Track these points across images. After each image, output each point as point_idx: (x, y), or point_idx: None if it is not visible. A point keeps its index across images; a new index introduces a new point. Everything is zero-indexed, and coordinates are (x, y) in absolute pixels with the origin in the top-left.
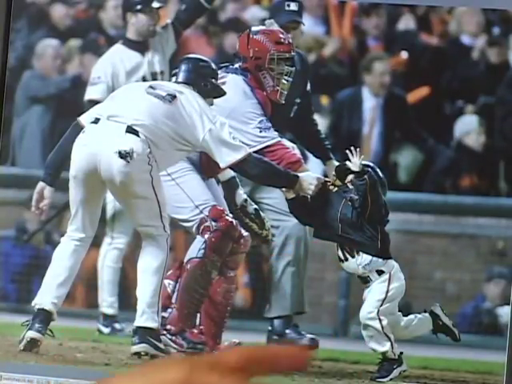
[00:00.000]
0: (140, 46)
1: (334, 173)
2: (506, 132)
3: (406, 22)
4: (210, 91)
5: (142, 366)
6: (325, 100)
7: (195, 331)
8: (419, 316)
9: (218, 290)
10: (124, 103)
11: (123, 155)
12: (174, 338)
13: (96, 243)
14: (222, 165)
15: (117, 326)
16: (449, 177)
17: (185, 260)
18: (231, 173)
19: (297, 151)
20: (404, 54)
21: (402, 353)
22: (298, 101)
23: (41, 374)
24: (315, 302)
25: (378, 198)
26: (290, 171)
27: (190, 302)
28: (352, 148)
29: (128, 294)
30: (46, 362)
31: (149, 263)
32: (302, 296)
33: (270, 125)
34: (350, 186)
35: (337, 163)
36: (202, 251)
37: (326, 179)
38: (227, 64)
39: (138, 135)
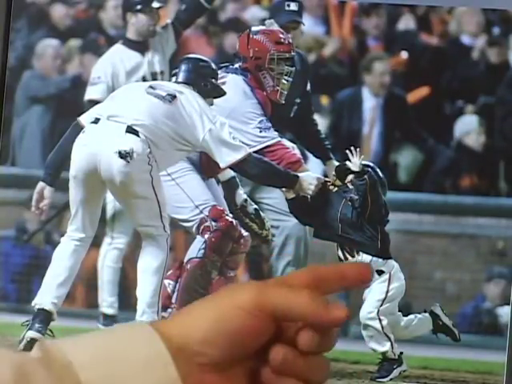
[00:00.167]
0: (140, 46)
1: (333, 173)
2: (506, 132)
3: (406, 22)
4: (210, 91)
5: (213, 294)
6: (325, 100)
7: None
8: (419, 316)
9: (218, 290)
10: (124, 103)
11: (123, 155)
12: None
13: (96, 243)
14: (221, 165)
15: None
16: (449, 177)
17: (185, 260)
18: (231, 173)
19: (297, 151)
20: (404, 54)
21: (401, 353)
22: (298, 101)
23: None
24: None
25: (378, 198)
26: (290, 171)
27: (189, 302)
28: (352, 148)
29: (128, 294)
30: None
31: (149, 263)
32: None
33: (269, 125)
34: (350, 186)
35: (337, 163)
36: (202, 251)
37: (326, 179)
38: (227, 64)
39: (138, 135)
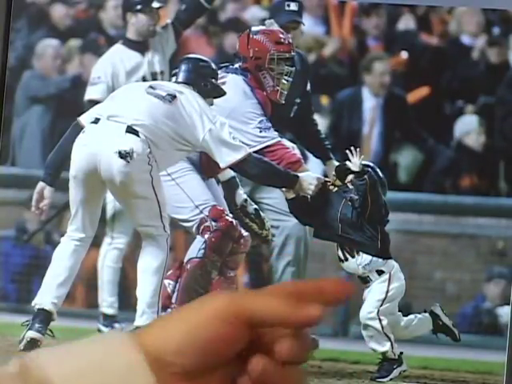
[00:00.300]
0: (140, 45)
1: (334, 173)
2: (506, 132)
3: (406, 22)
4: (210, 91)
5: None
6: (325, 100)
7: None
8: (419, 316)
9: (218, 289)
10: (124, 103)
11: (123, 155)
12: None
13: (96, 243)
14: (222, 165)
15: (117, 326)
16: (449, 177)
17: (185, 260)
18: (231, 173)
19: (297, 151)
20: (404, 54)
21: (401, 353)
22: (298, 101)
23: None
24: None
25: (378, 198)
26: (290, 171)
27: (190, 302)
28: (352, 148)
29: (128, 294)
30: None
31: (149, 263)
32: None
33: (269, 125)
34: (350, 186)
35: (337, 163)
36: (202, 251)
37: (326, 179)
38: (227, 64)
39: (138, 135)
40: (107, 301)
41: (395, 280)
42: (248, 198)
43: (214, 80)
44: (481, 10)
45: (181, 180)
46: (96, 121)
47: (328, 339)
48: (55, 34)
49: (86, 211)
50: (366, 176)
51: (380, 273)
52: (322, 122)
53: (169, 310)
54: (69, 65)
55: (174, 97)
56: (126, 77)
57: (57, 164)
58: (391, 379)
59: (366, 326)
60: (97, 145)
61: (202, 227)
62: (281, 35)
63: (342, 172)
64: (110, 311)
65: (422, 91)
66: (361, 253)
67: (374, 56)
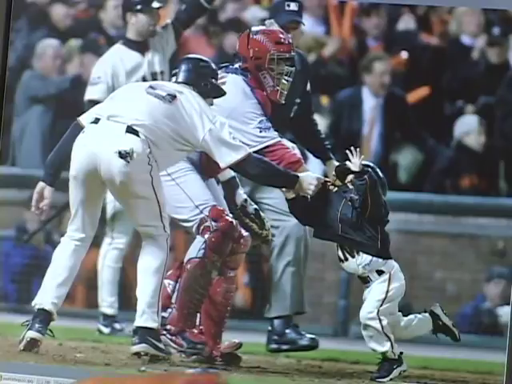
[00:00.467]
0: (140, 46)
1: (334, 173)
2: (506, 132)
3: (406, 22)
4: (210, 91)
5: None
6: (325, 100)
7: (195, 331)
8: (419, 316)
9: (218, 289)
10: (124, 103)
11: (123, 155)
12: (173, 337)
13: (96, 243)
14: (222, 165)
15: (117, 325)
16: (449, 177)
17: (185, 260)
18: (231, 173)
19: (297, 151)
20: (404, 54)
21: (402, 353)
22: (298, 101)
23: (41, 374)
24: (315, 302)
25: (377, 198)
26: (290, 171)
27: (189, 302)
28: (352, 148)
29: (128, 294)
30: (45, 361)
31: (149, 263)
32: (302, 296)
33: (269, 125)
34: (350, 186)
35: (337, 163)
36: (202, 251)
37: (326, 179)
38: (227, 64)
39: (138, 135)
40: (107, 301)
41: (395, 280)
42: (248, 198)
43: (214, 80)
44: (481, 10)
45: (181, 180)
46: (96, 121)
47: (328, 339)
48: (55, 34)
49: (86, 211)
50: (365, 176)
51: (380, 273)
52: (321, 122)
53: (169, 309)
54: (69, 65)
55: (173, 97)
56: (126, 77)
57: (57, 164)
58: (391, 379)
59: (366, 326)
60: (97, 145)
61: (201, 227)
62: (281, 35)
63: (342, 172)
64: (109, 311)
65: (422, 91)
66: (361, 253)
67: (373, 56)
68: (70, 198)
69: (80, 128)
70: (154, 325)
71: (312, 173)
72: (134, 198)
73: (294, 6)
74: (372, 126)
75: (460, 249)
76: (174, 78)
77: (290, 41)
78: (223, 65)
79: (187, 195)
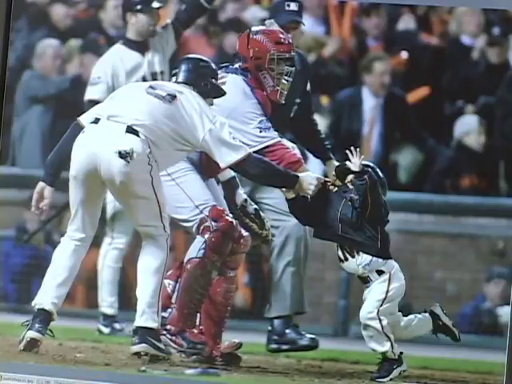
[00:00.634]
0: (140, 46)
1: (334, 173)
2: (506, 132)
3: (406, 22)
4: (210, 91)
5: None
6: (325, 100)
7: (195, 331)
8: (419, 316)
9: (218, 289)
10: (124, 103)
11: (123, 155)
12: (173, 337)
13: (96, 243)
14: (222, 165)
15: (117, 325)
16: (449, 177)
17: (185, 260)
18: (231, 173)
19: (297, 151)
20: (404, 54)
21: (402, 353)
22: (298, 101)
23: (41, 374)
24: (315, 302)
25: (377, 197)
26: (290, 171)
27: (190, 302)
28: (352, 148)
29: (128, 294)
30: (45, 361)
31: (149, 263)
32: (302, 296)
33: (269, 125)
34: (350, 186)
35: (337, 163)
36: (202, 251)
37: (326, 179)
38: (227, 64)
39: (138, 135)
40: (107, 301)
41: (395, 280)
42: (248, 198)
43: (214, 80)
44: (481, 10)
45: (181, 180)
46: (96, 121)
47: (328, 339)
48: (55, 34)
49: (86, 211)
50: (365, 176)
51: (380, 273)
52: (321, 122)
53: (169, 309)
54: (69, 65)
55: (173, 97)
56: (126, 77)
57: (57, 164)
58: (391, 379)
59: (366, 326)
60: (97, 145)
61: (201, 227)
62: (281, 35)
63: (342, 172)
64: (109, 311)
65: (422, 91)
66: (361, 253)
67: (373, 56)
68: (70, 198)
69: (80, 128)
70: (154, 325)
71: (312, 173)
72: (133, 198)
73: (293, 6)
74: (372, 126)
75: (460, 249)
76: (174, 78)
77: (290, 41)
78: (223, 65)
79: (187, 195)
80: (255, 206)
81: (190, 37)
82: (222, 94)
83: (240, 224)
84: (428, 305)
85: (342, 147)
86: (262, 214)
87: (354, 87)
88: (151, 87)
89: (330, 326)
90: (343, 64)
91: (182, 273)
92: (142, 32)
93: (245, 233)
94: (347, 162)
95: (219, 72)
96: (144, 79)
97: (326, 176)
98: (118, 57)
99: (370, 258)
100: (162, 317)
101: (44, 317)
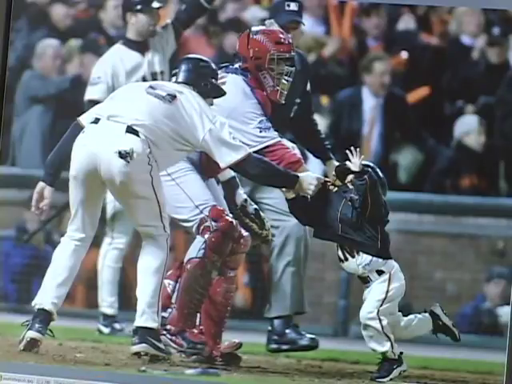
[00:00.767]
0: (140, 46)
1: (334, 173)
2: (506, 132)
3: (406, 22)
4: (210, 91)
5: None
6: (325, 100)
7: (195, 331)
8: (419, 316)
9: (218, 289)
10: (124, 103)
11: (123, 155)
12: (173, 337)
13: (96, 243)
14: (222, 165)
15: (117, 325)
16: (449, 177)
17: (185, 260)
18: (231, 173)
19: (297, 151)
20: (404, 54)
21: (402, 353)
22: (298, 101)
23: (41, 374)
24: (315, 302)
25: (377, 197)
26: (290, 171)
27: (190, 302)
28: (352, 148)
29: (128, 294)
30: (45, 361)
31: (149, 263)
32: (302, 296)
33: (269, 125)
34: (350, 186)
35: (337, 163)
36: (202, 251)
37: (326, 179)
38: (227, 64)
39: (138, 135)
40: (107, 301)
41: (395, 280)
42: (248, 198)
43: (214, 80)
44: (481, 10)
45: (181, 180)
46: (96, 121)
47: (328, 339)
48: (55, 34)
49: (86, 211)
50: (365, 176)
51: (380, 273)
52: (321, 122)
53: (169, 309)
54: (69, 65)
55: (173, 97)
56: (126, 77)
57: (57, 164)
58: (391, 379)
59: (366, 326)
60: (97, 145)
61: (201, 227)
62: (281, 35)
63: (342, 172)
64: (109, 311)
65: (422, 91)
66: (361, 253)
67: (373, 56)
68: (70, 198)
69: (80, 128)
70: (154, 325)
71: (312, 173)
72: (133, 198)
73: (294, 6)
74: (372, 126)
75: (460, 249)
76: (174, 78)
77: (290, 41)
78: (223, 65)
79: (187, 195)
80: (255, 206)
81: (190, 37)
82: (222, 94)
83: (240, 224)
84: (428, 305)
85: (342, 147)
86: (262, 213)
87: (353, 87)
88: (151, 87)
89: (329, 326)
90: (343, 64)
91: (181, 273)
92: (141, 32)
93: (245, 233)
94: (347, 162)
95: (219, 72)
96: (144, 79)
97: (326, 176)
98: (118, 57)
99: (369, 258)
100: (162, 317)
101: (44, 317)
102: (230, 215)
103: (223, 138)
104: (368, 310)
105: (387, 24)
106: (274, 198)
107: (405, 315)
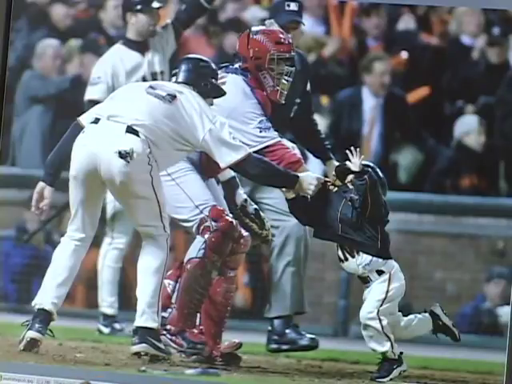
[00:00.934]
0: (140, 46)
1: (334, 173)
2: (506, 132)
3: (406, 22)
4: (210, 91)
5: None
6: (325, 100)
7: (195, 331)
8: (419, 316)
9: (218, 289)
10: (124, 103)
11: (123, 155)
12: (173, 337)
13: (96, 243)
14: (222, 165)
15: (117, 325)
16: (449, 177)
17: (185, 260)
18: (231, 173)
19: (297, 151)
20: (404, 54)
21: (402, 353)
22: (298, 101)
23: (41, 374)
24: (315, 302)
25: (377, 197)
26: (290, 171)
27: (190, 302)
28: (352, 148)
29: (128, 294)
30: (45, 361)
31: (149, 263)
32: (302, 296)
33: (269, 125)
34: (350, 186)
35: (337, 163)
36: (202, 251)
37: (326, 179)
38: (227, 64)
39: (138, 135)
40: (107, 301)
41: (395, 280)
42: (248, 198)
43: (214, 80)
44: (481, 10)
45: (181, 180)
46: (96, 121)
47: (328, 339)
48: (55, 34)
49: (86, 211)
50: (365, 176)
51: (380, 273)
52: (321, 122)
53: (169, 309)
54: (69, 65)
55: (173, 97)
56: (126, 77)
57: (57, 164)
58: (391, 379)
59: (366, 326)
60: (97, 145)
61: (201, 227)
62: (281, 35)
63: (342, 172)
64: (109, 311)
65: (422, 91)
66: (361, 253)
67: (373, 56)
68: (70, 198)
69: (80, 128)
70: (154, 325)
71: (312, 173)
72: (133, 198)
73: (294, 6)
74: (372, 126)
75: (460, 249)
76: (174, 78)
77: (290, 41)
78: (223, 65)
79: (187, 195)
80: (255, 206)
81: (190, 37)
82: (222, 94)
83: (240, 224)
84: (428, 305)
85: (342, 147)
86: (262, 213)
87: (353, 87)
88: (151, 87)
89: (330, 326)
90: (343, 64)
91: (181, 273)
92: (141, 32)
93: (245, 233)
94: (347, 162)
95: (219, 72)
96: (144, 79)
97: (326, 176)
98: (118, 57)
99: (369, 257)
100: (162, 317)
101: (44, 317)
102: (230, 215)
103: (223, 138)
104: (368, 310)
105: (387, 24)
106: (274, 198)
107: (405, 315)
